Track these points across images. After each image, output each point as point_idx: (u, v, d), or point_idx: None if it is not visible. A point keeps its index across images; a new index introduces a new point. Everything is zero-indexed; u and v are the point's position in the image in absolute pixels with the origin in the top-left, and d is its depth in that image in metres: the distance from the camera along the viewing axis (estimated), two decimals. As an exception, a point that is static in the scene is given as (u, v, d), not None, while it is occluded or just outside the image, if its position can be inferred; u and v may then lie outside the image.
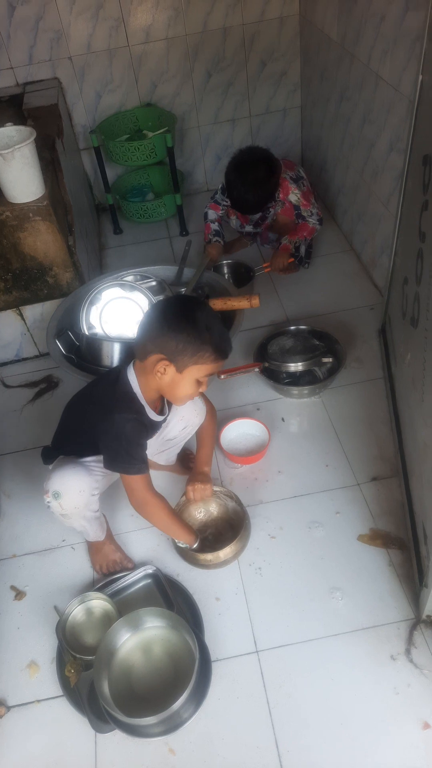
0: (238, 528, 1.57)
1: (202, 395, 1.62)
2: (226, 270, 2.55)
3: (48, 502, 1.42)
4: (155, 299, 1.91)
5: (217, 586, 1.55)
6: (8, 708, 1.40)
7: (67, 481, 1.40)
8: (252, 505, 1.72)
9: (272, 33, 2.74)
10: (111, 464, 1.39)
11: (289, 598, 1.50)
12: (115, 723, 1.28)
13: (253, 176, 2.24)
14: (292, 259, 2.44)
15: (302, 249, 2.49)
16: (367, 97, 2.13)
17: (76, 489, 1.40)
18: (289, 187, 2.34)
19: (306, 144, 3.06)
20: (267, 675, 1.37)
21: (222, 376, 1.96)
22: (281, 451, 1.85)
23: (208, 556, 1.52)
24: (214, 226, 2.50)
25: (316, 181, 2.54)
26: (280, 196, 2.35)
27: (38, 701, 1.40)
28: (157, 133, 2.69)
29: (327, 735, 1.27)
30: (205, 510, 1.68)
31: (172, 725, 1.28)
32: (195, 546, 1.52)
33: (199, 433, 1.67)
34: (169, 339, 1.28)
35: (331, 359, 2.00)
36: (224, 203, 2.48)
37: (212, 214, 2.52)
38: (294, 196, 2.35)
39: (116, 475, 1.57)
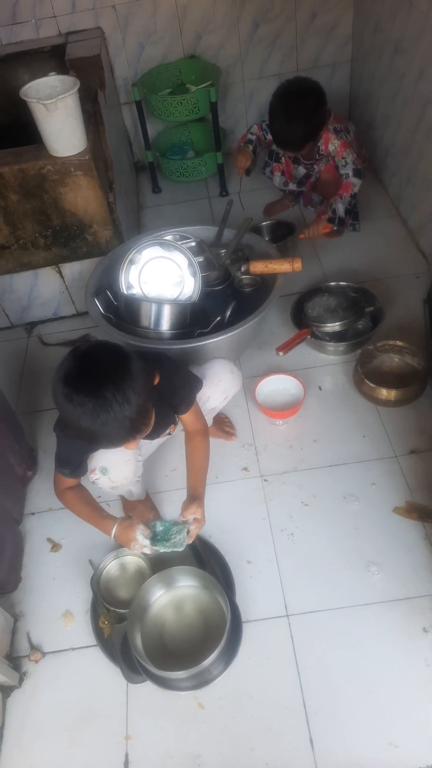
0: None
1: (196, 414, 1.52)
2: (265, 231, 2.48)
3: (96, 479, 1.41)
4: (195, 260, 1.87)
5: (249, 550, 1.55)
6: (44, 654, 1.45)
7: (112, 455, 1.38)
8: (286, 472, 1.71)
9: (325, -20, 2.59)
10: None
11: (321, 565, 1.50)
12: (146, 674, 1.32)
13: (298, 107, 2.11)
14: (329, 227, 2.32)
15: (340, 209, 2.30)
16: (425, 50, 2.00)
17: (122, 460, 1.40)
18: (330, 137, 2.23)
19: (354, 101, 2.92)
20: (297, 638, 1.38)
21: (281, 353, 1.91)
22: (317, 420, 1.83)
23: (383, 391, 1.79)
24: (250, 136, 2.38)
25: (362, 141, 2.42)
26: (323, 149, 2.24)
27: (72, 649, 1.45)
28: (200, 87, 2.60)
29: (355, 701, 1.28)
30: None
31: (201, 681, 1.31)
32: (111, 535, 1.41)
33: (188, 456, 1.53)
34: (60, 408, 1.20)
35: (372, 308, 2.03)
36: (269, 136, 2.37)
37: (254, 129, 2.39)
38: (332, 145, 2.22)
39: (158, 443, 1.60)
